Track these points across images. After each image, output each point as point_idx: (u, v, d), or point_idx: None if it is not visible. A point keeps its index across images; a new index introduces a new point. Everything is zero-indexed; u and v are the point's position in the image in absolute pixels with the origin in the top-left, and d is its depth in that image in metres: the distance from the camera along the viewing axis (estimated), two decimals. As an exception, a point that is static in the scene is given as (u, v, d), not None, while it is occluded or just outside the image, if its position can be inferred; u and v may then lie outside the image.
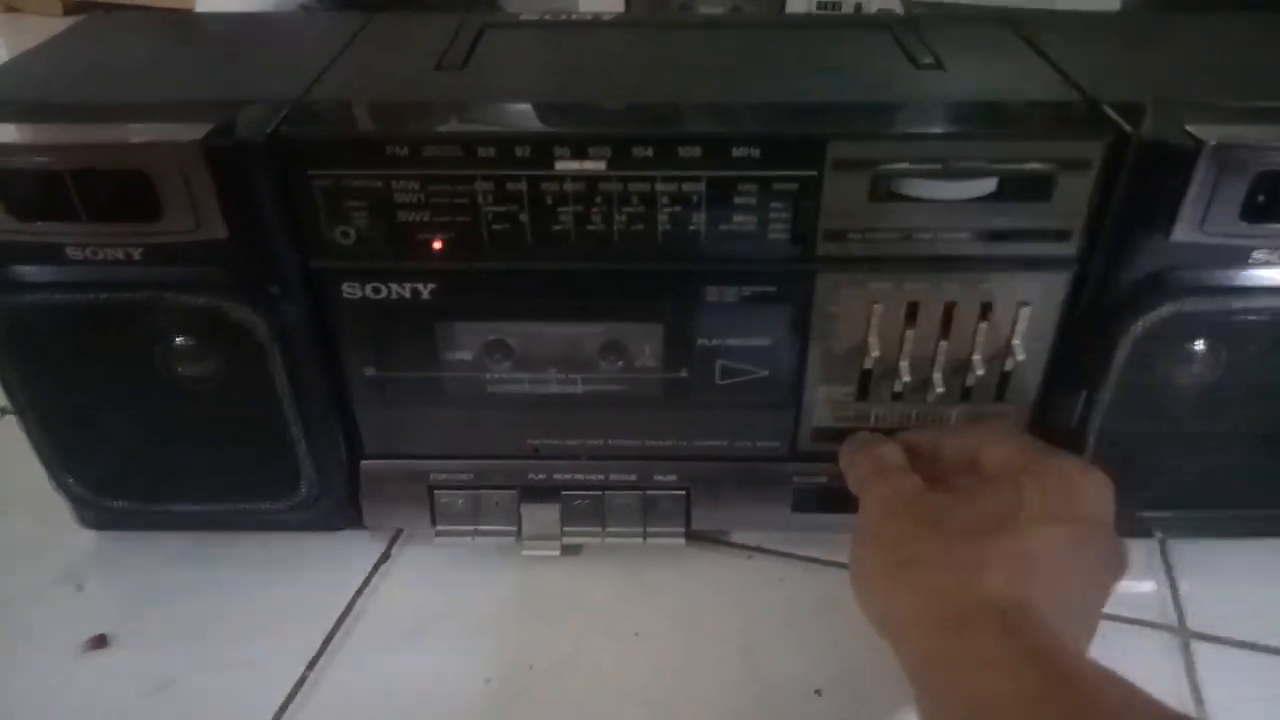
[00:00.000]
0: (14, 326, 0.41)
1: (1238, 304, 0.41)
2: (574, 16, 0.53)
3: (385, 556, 0.51)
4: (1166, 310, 0.41)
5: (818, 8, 0.96)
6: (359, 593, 0.49)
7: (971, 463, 0.42)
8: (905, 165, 0.39)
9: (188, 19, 0.55)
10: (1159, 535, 0.50)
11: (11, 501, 0.53)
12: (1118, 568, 0.39)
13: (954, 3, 0.92)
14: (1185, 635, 0.46)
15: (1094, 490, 0.39)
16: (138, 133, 0.37)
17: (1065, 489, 0.38)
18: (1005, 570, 0.35)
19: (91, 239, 0.39)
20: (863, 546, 0.40)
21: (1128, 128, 0.38)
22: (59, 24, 1.33)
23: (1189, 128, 0.38)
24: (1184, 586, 0.48)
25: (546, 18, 0.52)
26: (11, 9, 1.37)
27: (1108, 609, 0.46)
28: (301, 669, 0.45)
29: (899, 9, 0.90)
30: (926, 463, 0.43)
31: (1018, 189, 0.39)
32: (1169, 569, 0.49)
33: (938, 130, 0.39)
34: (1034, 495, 0.37)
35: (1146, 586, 0.48)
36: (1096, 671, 0.33)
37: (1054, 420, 0.46)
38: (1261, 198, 0.38)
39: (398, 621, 0.47)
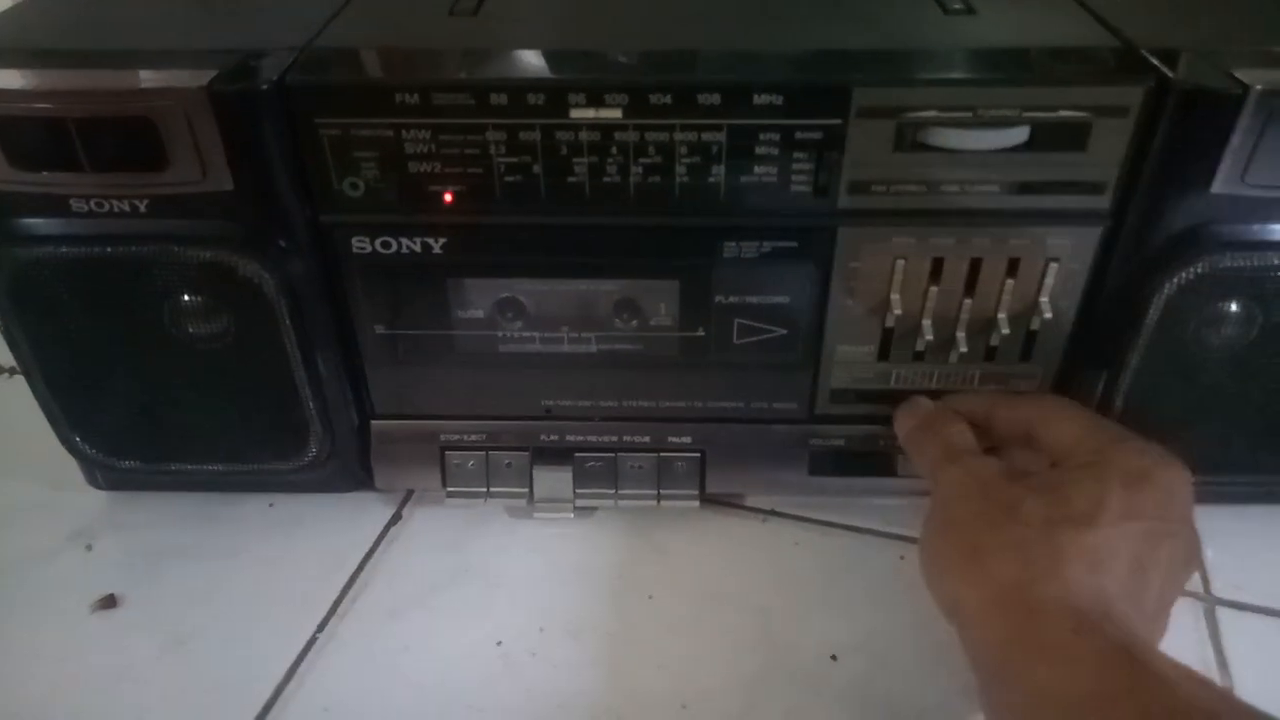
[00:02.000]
0: (18, 280, 0.40)
1: (1278, 259, 0.39)
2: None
3: (396, 518, 0.50)
4: (1202, 266, 0.39)
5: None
6: (369, 554, 0.48)
7: (1027, 436, 0.41)
8: (933, 113, 0.37)
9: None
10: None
11: (20, 461, 0.53)
12: (1194, 563, 0.39)
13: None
14: (1211, 602, 0.45)
15: (1176, 486, 0.37)
16: (142, 79, 0.36)
17: (1148, 484, 0.36)
18: (1084, 565, 0.34)
19: (96, 190, 0.38)
20: (935, 532, 0.39)
21: (1169, 72, 0.37)
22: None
23: (1235, 72, 0.36)
24: (1210, 553, 0.47)
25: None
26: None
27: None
28: (312, 630, 0.44)
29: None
30: (978, 433, 0.42)
31: (1050, 138, 0.38)
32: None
33: (967, 76, 0.38)
34: (1116, 490, 0.36)
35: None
36: (1181, 671, 0.32)
37: (1080, 382, 0.44)
38: (1306, 148, 0.37)
39: (408, 583, 0.47)
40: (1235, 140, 0.36)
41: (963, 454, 0.41)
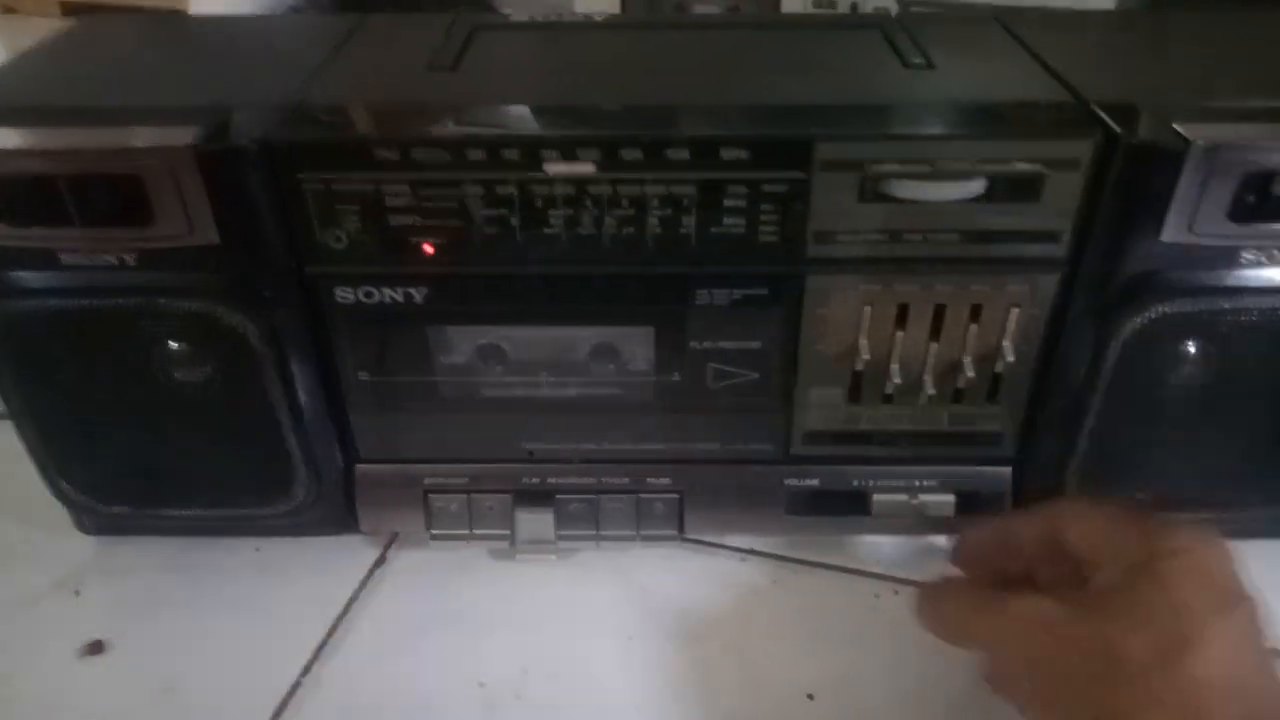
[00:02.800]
0: (8, 331, 0.41)
1: (1227, 304, 0.41)
2: (565, 18, 0.53)
3: (381, 560, 0.51)
4: (1156, 311, 0.41)
5: (813, 6, 0.97)
6: (354, 596, 0.49)
7: (1051, 547, 0.39)
8: (893, 166, 0.39)
9: (181, 22, 0.56)
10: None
11: (8, 506, 0.53)
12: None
13: (949, 1, 0.92)
14: (1179, 636, 0.46)
15: (1226, 560, 0.36)
16: (130, 137, 0.37)
17: (1209, 572, 0.35)
18: (1225, 684, 0.32)
19: (85, 244, 0.39)
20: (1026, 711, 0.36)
21: (1116, 128, 0.38)
22: (57, 25, 1.35)
23: (1177, 127, 0.38)
24: (1179, 587, 0.48)
25: (538, 19, 0.53)
26: (9, 10, 1.37)
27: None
28: (297, 673, 0.45)
29: (893, 8, 0.91)
30: (1002, 559, 0.41)
31: (1006, 190, 0.39)
32: (1163, 570, 0.49)
33: (925, 131, 0.39)
34: (1189, 592, 0.34)
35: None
36: None
37: (1047, 421, 0.46)
38: (1250, 198, 0.38)
39: (393, 625, 0.48)
40: (1180, 192, 0.38)
41: (1002, 601, 0.37)
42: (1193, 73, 0.45)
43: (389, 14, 0.52)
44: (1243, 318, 0.41)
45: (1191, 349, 0.43)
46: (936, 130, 0.40)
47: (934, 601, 0.41)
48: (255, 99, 0.41)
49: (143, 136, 0.37)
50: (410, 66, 0.46)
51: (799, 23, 0.59)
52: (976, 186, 0.39)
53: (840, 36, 0.51)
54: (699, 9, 0.98)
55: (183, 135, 0.37)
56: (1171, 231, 0.39)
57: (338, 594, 0.49)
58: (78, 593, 0.50)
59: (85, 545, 0.52)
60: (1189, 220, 0.39)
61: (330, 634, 0.47)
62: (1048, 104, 0.41)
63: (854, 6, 0.93)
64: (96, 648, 0.47)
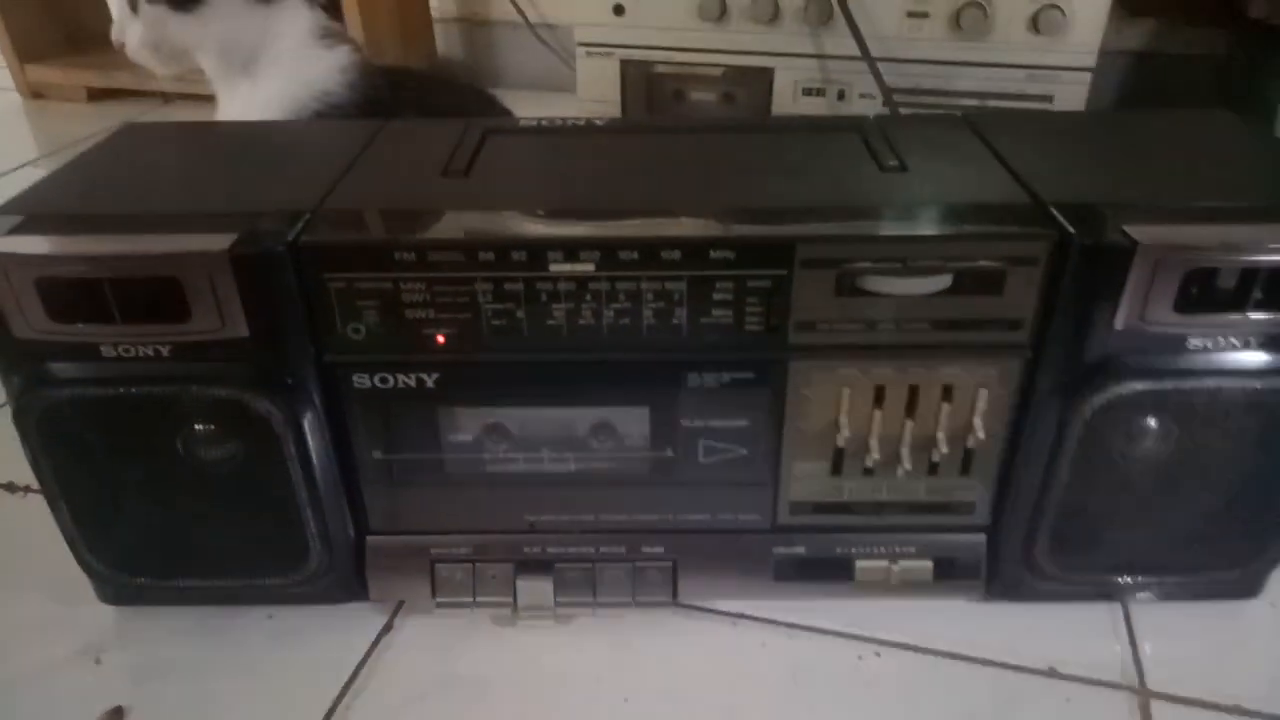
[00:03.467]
0: (48, 418, 0.44)
1: (1178, 385, 0.44)
2: (569, 121, 0.57)
3: (388, 627, 0.54)
4: (1114, 393, 0.44)
5: (803, 94, 1.02)
6: (363, 661, 0.51)
7: None
8: (867, 264, 0.42)
9: (212, 129, 0.59)
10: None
11: (32, 577, 0.56)
12: None
13: (932, 89, 0.97)
14: (1145, 695, 0.48)
15: None
16: (168, 243, 0.41)
17: None
18: None
19: (124, 339, 0.43)
20: None
21: (1070, 229, 0.42)
22: (84, 110, 1.41)
23: (1126, 228, 0.42)
24: (1145, 648, 0.51)
25: (544, 123, 0.57)
26: (38, 95, 1.42)
27: (1071, 671, 0.49)
28: (310, 737, 0.47)
29: (877, 95, 0.96)
30: None
31: (971, 284, 0.43)
32: (1130, 631, 0.52)
33: (896, 232, 0.43)
34: None
35: (1108, 649, 0.51)
36: None
37: (1017, 492, 0.49)
38: (1194, 291, 0.42)
39: (400, 688, 0.50)
40: (1130, 287, 0.42)
41: None
42: (1146, 174, 0.49)
43: (408, 119, 0.56)
44: (1193, 397, 0.45)
45: (1149, 425, 0.46)
46: (906, 231, 0.43)
47: None
48: (283, 204, 0.44)
49: (182, 243, 0.41)
50: (427, 172, 0.49)
51: (785, 126, 0.63)
52: (944, 281, 0.43)
53: (822, 139, 0.54)
54: (695, 97, 1.02)
55: (219, 241, 0.41)
56: (1124, 320, 0.43)
57: (347, 659, 0.51)
58: (98, 661, 0.52)
59: (106, 615, 0.54)
60: (1139, 311, 0.42)
61: (340, 697, 0.49)
62: (1008, 205, 0.45)
63: (841, 94, 0.98)
64: (117, 714, 0.49)
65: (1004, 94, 0.91)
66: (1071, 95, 0.90)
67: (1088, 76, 0.89)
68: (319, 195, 0.46)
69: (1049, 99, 0.91)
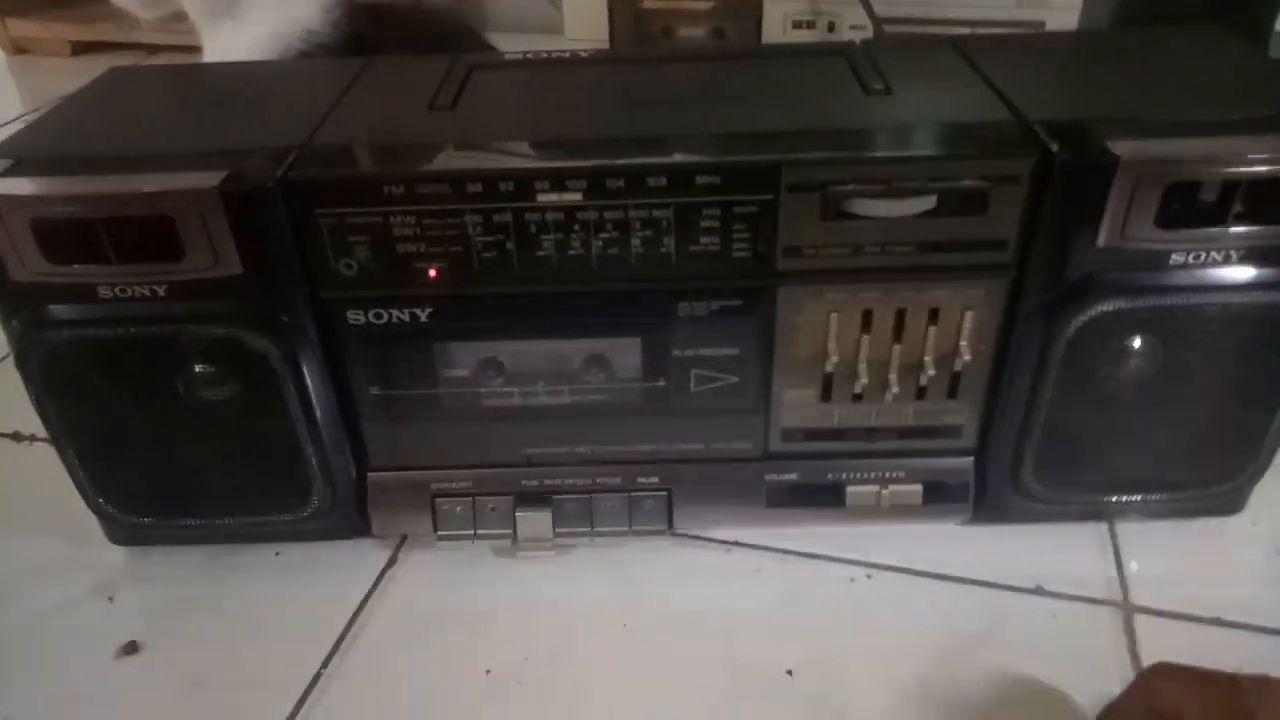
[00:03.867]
0: (50, 361, 0.45)
1: (1160, 302, 0.45)
2: (555, 55, 0.57)
3: (392, 561, 0.55)
4: (1096, 310, 0.45)
5: (793, 28, 1.01)
6: (369, 595, 0.53)
7: (1152, 716, 0.39)
8: (852, 186, 0.43)
9: (198, 71, 0.59)
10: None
11: (44, 522, 0.57)
12: None
13: (922, 18, 0.96)
14: (1129, 610, 0.50)
15: None
16: (160, 182, 0.41)
17: None
18: None
19: (121, 279, 0.43)
20: None
21: (1052, 146, 0.42)
22: (68, 64, 1.39)
23: (1108, 144, 0.42)
24: (1130, 565, 0.52)
25: (529, 56, 0.57)
26: (21, 50, 1.41)
27: (1057, 588, 0.51)
28: (317, 666, 0.49)
29: (868, 26, 0.95)
30: None
31: (955, 204, 0.43)
32: (1116, 550, 0.53)
33: (880, 154, 0.43)
34: None
35: (1094, 566, 0.52)
36: None
37: (1003, 414, 0.50)
38: (1176, 206, 0.42)
39: (404, 619, 0.51)
40: (1112, 203, 0.42)
41: None
42: (1132, 92, 0.49)
43: (393, 56, 0.56)
44: (1175, 313, 0.45)
45: (1132, 343, 0.47)
46: (891, 152, 0.43)
47: None
48: (272, 141, 0.45)
49: (172, 181, 0.41)
50: (413, 106, 0.49)
51: (772, 53, 0.63)
52: (928, 202, 0.43)
53: (809, 64, 0.55)
54: (684, 33, 1.01)
55: (209, 179, 0.41)
56: (1107, 237, 0.43)
57: (353, 593, 0.53)
58: (111, 599, 0.53)
59: (117, 555, 0.55)
60: (1121, 227, 0.43)
61: (347, 629, 0.51)
62: (992, 125, 0.45)
63: (831, 26, 0.98)
64: (131, 648, 0.50)
65: (995, 21, 0.90)
66: (1063, 21, 0.89)
67: (1079, 0, 0.88)
68: (307, 132, 0.46)
69: (1040, 25, 0.90)
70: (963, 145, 0.44)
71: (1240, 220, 0.43)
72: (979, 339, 0.47)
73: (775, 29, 1.00)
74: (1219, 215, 0.43)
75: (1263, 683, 0.36)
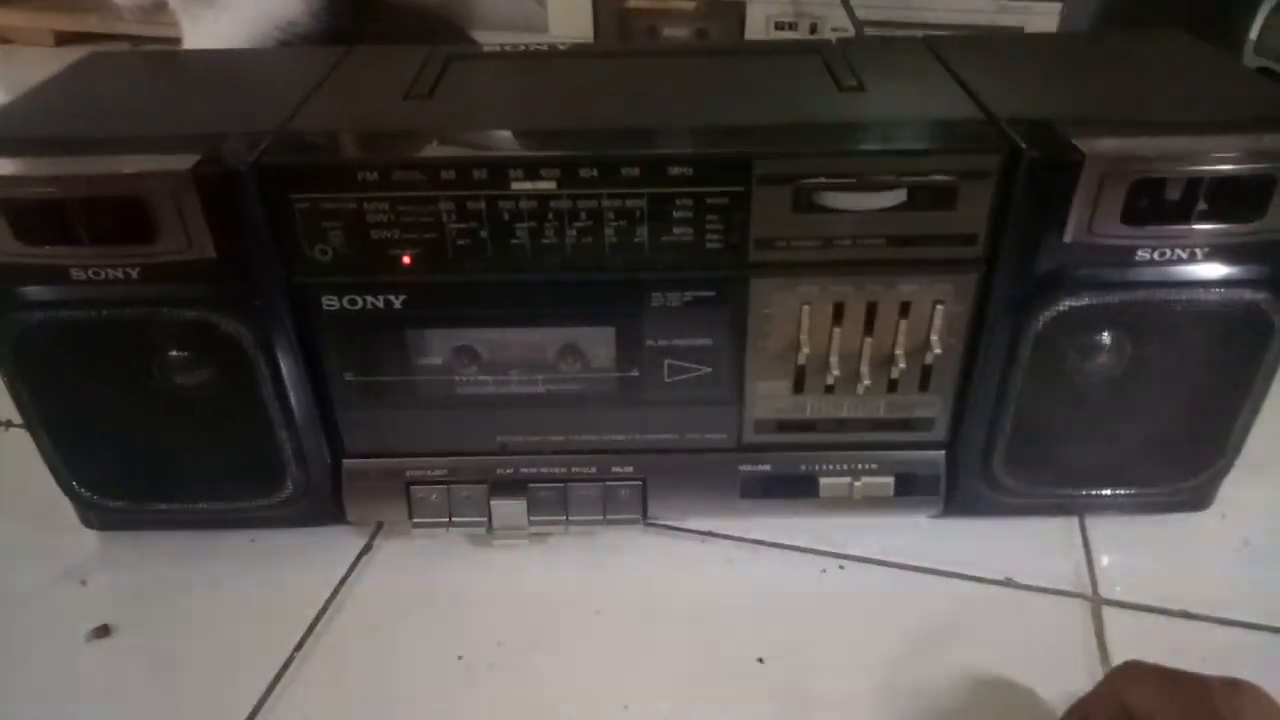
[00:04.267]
0: (23, 343, 0.45)
1: (1126, 298, 0.45)
2: (532, 47, 0.57)
3: (367, 548, 0.55)
4: (1064, 305, 0.45)
5: (775, 29, 1.01)
6: (342, 581, 0.53)
7: (1119, 713, 0.39)
8: (822, 180, 0.43)
9: (177, 57, 0.59)
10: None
11: (18, 506, 0.57)
12: None
13: (903, 21, 0.97)
14: (1097, 602, 0.50)
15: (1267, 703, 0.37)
16: (134, 164, 0.41)
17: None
18: None
19: (93, 260, 0.43)
20: None
21: (1021, 143, 0.43)
22: (51, 54, 1.39)
23: (1074, 141, 0.42)
24: (1100, 559, 0.53)
25: (507, 48, 0.57)
26: (4, 40, 1.40)
27: (1027, 581, 0.51)
28: (290, 649, 0.49)
29: (850, 29, 0.95)
30: None
31: (925, 199, 0.44)
32: (1086, 544, 0.54)
33: (851, 147, 0.44)
34: None
35: (1064, 560, 0.53)
36: None
37: (974, 407, 0.50)
38: (1141, 203, 0.43)
39: (378, 605, 0.51)
40: (1078, 199, 0.42)
41: None
42: (1101, 92, 0.50)
43: (371, 46, 0.56)
44: (1141, 309, 0.46)
45: (1101, 337, 0.48)
46: (862, 146, 0.44)
47: None
48: (248, 126, 0.45)
49: (146, 163, 0.41)
50: (390, 95, 0.50)
51: (748, 49, 0.64)
52: (898, 196, 0.44)
53: (784, 61, 0.55)
54: (668, 32, 1.02)
55: (183, 161, 0.41)
56: (1074, 233, 0.44)
57: (328, 579, 0.53)
58: (84, 583, 0.53)
59: (90, 540, 0.55)
60: (1088, 223, 0.43)
61: (320, 615, 0.51)
62: (962, 121, 0.46)
63: (814, 28, 0.98)
64: (103, 631, 0.50)
65: (975, 26, 0.91)
66: (1043, 26, 0.90)
67: (1058, 7, 0.89)
68: (283, 117, 0.46)
69: (1020, 30, 0.91)
70: (933, 141, 0.45)
71: (1205, 218, 0.43)
72: (949, 333, 0.48)
73: (758, 30, 1.00)
74: (1184, 212, 0.43)
75: (1231, 686, 0.37)
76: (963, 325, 0.48)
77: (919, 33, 0.94)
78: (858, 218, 0.44)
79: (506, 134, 0.45)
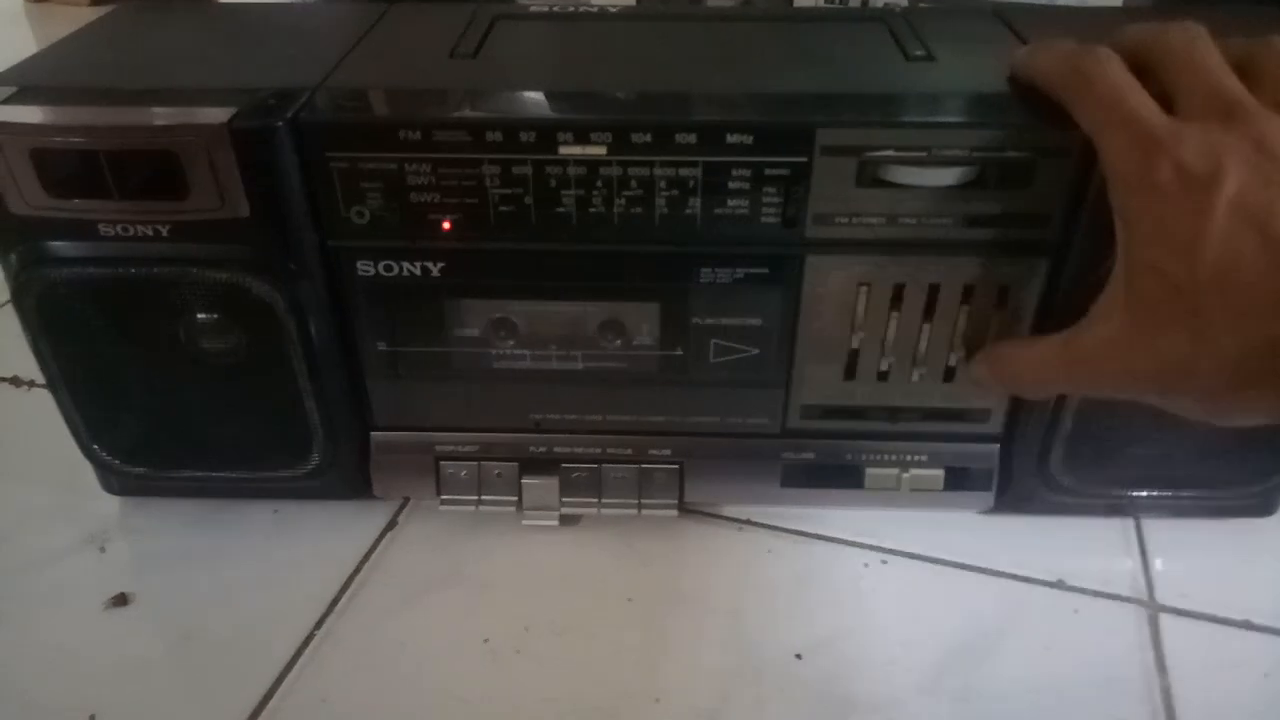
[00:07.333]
0: (48, 299, 0.43)
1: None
2: (581, 9, 0.55)
3: (393, 524, 0.53)
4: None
5: (824, 1, 0.98)
6: (367, 556, 0.51)
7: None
8: (889, 152, 0.41)
9: (213, 9, 0.57)
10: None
11: (38, 469, 0.56)
12: None
13: (956, -3, 0.93)
14: (1154, 608, 0.48)
15: None
16: (167, 115, 0.40)
17: None
18: None
19: (122, 216, 0.42)
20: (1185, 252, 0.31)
21: (1104, 120, 0.40)
22: (86, 14, 1.37)
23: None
24: (1156, 563, 0.50)
25: (555, 9, 0.55)
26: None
27: (1080, 583, 0.49)
28: (310, 626, 0.47)
29: (902, 3, 0.92)
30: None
31: (997, 176, 0.41)
32: (1142, 547, 0.51)
33: (921, 119, 0.41)
34: None
35: (1119, 563, 0.50)
36: None
37: (1034, 402, 0.48)
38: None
39: (403, 584, 0.50)
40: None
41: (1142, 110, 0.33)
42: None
43: (413, 2, 0.54)
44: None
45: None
46: (932, 118, 0.41)
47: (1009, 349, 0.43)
48: (287, 81, 0.43)
49: (180, 115, 0.39)
50: (433, 53, 0.47)
51: (807, 16, 0.61)
52: (969, 172, 0.41)
53: (846, 29, 0.52)
54: (713, 2, 0.99)
55: (218, 115, 0.39)
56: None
57: (351, 554, 0.51)
58: (103, 549, 0.52)
59: (111, 505, 0.54)
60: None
61: (343, 590, 0.49)
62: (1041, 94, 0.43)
63: (864, 1, 0.95)
64: (121, 600, 0.49)
65: (1036, -1, 0.87)
66: (1106, 0, 0.86)
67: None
68: (322, 74, 0.44)
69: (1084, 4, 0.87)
70: (1010, 114, 0.42)
71: None
72: (1015, 321, 0.45)
73: (806, 2, 0.97)
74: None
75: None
76: (1029, 312, 0.45)
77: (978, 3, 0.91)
78: (924, 194, 0.42)
79: (555, 96, 0.43)
